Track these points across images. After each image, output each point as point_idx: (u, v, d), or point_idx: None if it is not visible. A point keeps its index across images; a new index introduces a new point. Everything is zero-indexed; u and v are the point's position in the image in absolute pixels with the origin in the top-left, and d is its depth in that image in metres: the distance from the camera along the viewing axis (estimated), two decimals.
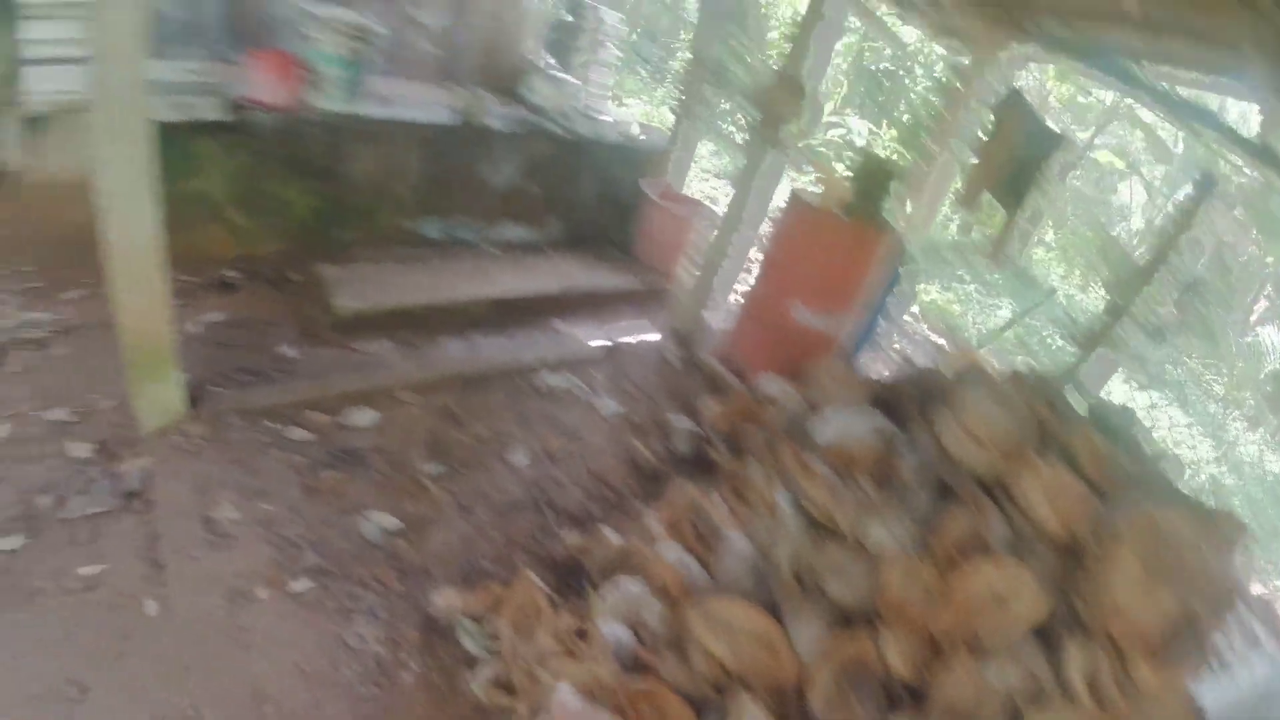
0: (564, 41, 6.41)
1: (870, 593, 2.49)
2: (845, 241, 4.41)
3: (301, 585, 2.62)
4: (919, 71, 12.43)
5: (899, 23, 8.61)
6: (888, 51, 12.16)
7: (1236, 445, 10.51)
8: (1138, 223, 13.29)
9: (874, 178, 4.49)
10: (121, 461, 2.88)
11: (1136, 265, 4.81)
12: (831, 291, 4.48)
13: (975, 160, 5.43)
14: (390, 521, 2.97)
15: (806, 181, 9.61)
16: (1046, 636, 2.44)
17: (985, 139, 5.29)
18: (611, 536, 3.02)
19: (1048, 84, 11.42)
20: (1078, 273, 13.96)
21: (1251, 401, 11.56)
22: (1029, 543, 2.62)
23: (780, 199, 6.71)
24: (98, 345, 3.42)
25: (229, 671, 2.31)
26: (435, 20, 5.63)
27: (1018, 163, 5.07)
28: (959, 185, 6.90)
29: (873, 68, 12.63)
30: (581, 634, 2.46)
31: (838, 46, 11.13)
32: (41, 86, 3.52)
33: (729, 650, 2.34)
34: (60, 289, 3.72)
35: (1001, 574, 2.40)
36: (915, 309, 8.25)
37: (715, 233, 5.06)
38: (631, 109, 10.82)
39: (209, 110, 3.81)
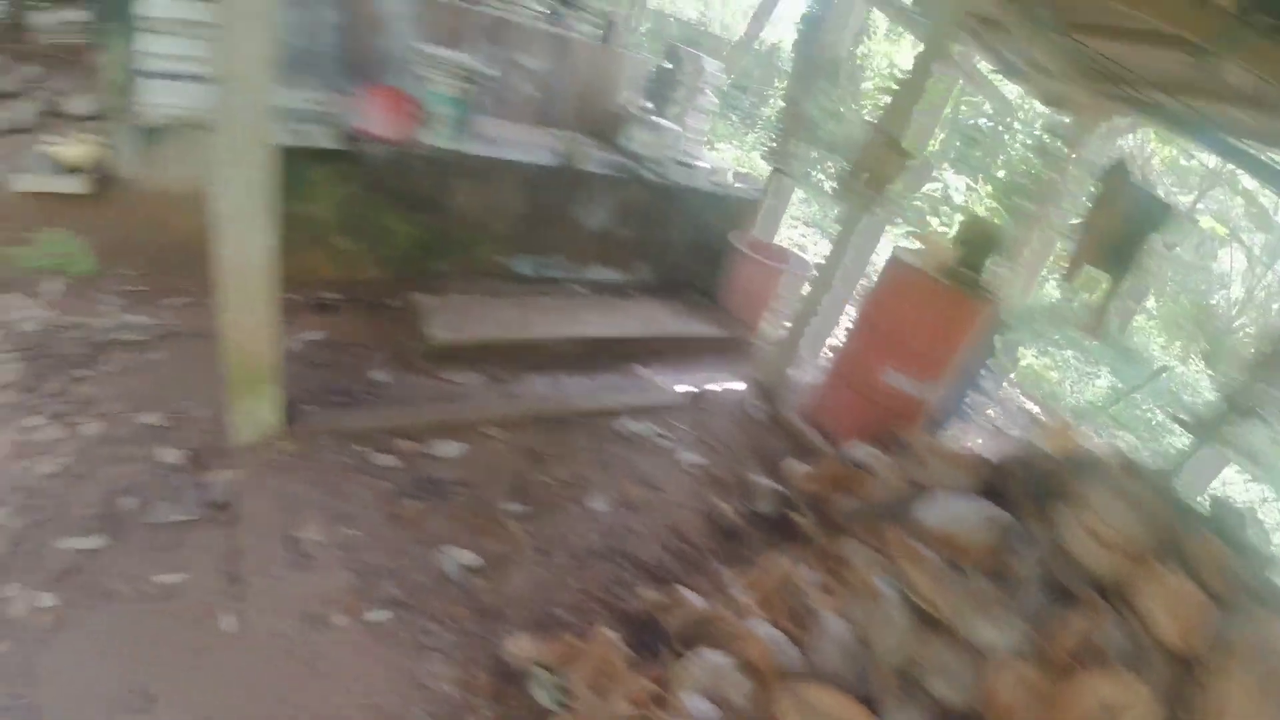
0: (662, 88, 6.48)
1: (976, 694, 2.32)
2: (945, 306, 4.26)
3: (378, 615, 2.58)
4: (1017, 127, 12.16)
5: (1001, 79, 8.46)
6: (986, 106, 11.93)
7: None
8: (1238, 291, 12.71)
9: (978, 242, 4.35)
10: (210, 471, 2.91)
11: (1236, 338, 4.53)
12: (927, 357, 4.33)
13: (1079, 230, 5.24)
14: (469, 558, 2.92)
15: (905, 235, 9.46)
16: None
17: (1090, 208, 5.10)
18: (692, 599, 2.90)
19: (1149, 145, 11.06)
20: (1178, 344, 13.35)
21: None
22: (1144, 653, 2.42)
23: (876, 255, 6.65)
24: (195, 353, 3.51)
25: (299, 698, 2.26)
26: (537, 64, 5.76)
27: (1123, 234, 4.85)
28: (1060, 252, 6.69)
29: (970, 121, 12.40)
30: (659, 701, 2.35)
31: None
32: (157, 99, 3.67)
33: None
34: (163, 295, 3.84)
35: (1115, 686, 2.22)
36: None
37: (807, 287, 4.96)
38: (723, 153, 10.86)
39: (324, 139, 3.93)
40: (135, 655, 2.23)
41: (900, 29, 12.72)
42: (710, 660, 2.45)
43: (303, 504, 2.88)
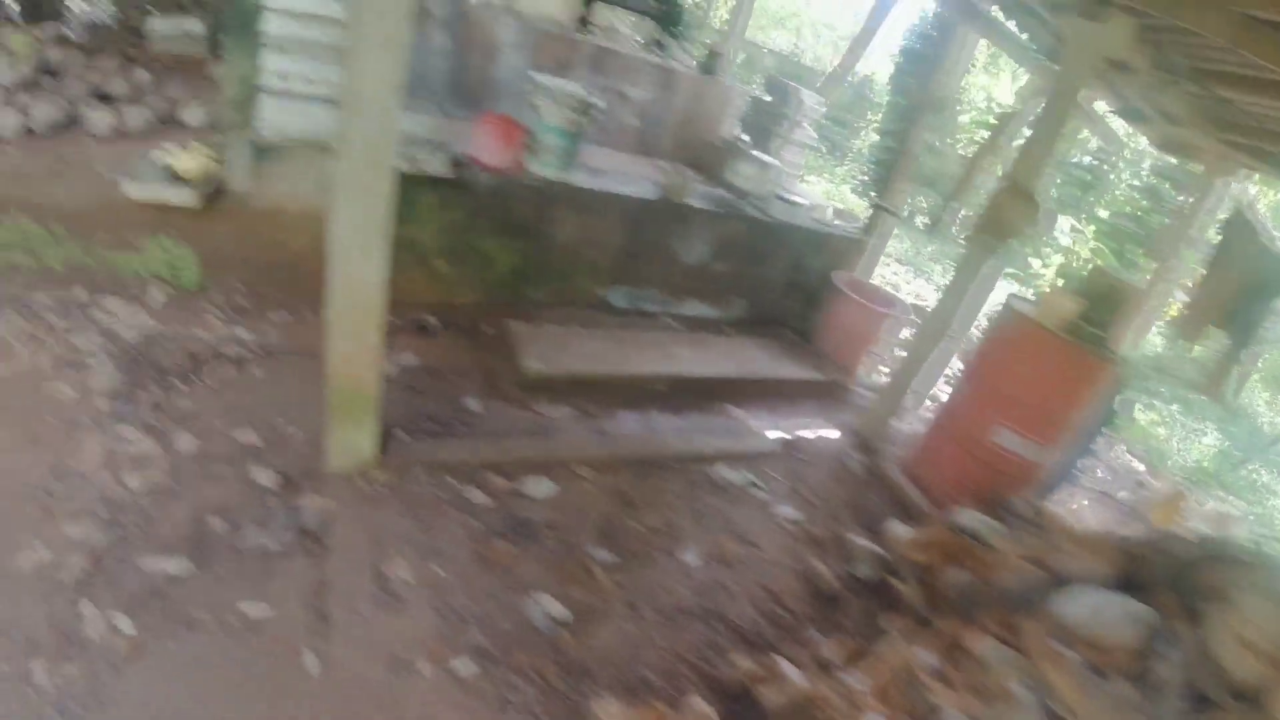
0: (761, 120, 6.35)
1: None
2: (1065, 365, 3.95)
3: (463, 665, 2.44)
4: (1121, 166, 11.62)
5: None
6: (1093, 144, 11.41)
7: None
8: None
9: (1103, 297, 4.05)
10: (302, 496, 2.84)
11: None
12: (1042, 417, 4.03)
13: (1200, 285, 4.89)
14: (557, 608, 2.77)
15: (1007, 277, 9.09)
16: None
17: (1210, 262, 4.75)
18: (791, 673, 2.69)
19: (1254, 188, 10.40)
20: None
21: None
22: None
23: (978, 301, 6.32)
24: (295, 371, 3.48)
25: None
26: (640, 94, 5.69)
27: (1244, 293, 4.51)
28: (1176, 304, 6.30)
29: (1075, 159, 11.89)
30: None
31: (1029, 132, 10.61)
32: (274, 117, 3.67)
33: None
34: (267, 311, 3.84)
35: None
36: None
37: (915, 333, 4.72)
38: (813, 186, 10.67)
39: (435, 165, 3.89)
40: (212, 691, 2.14)
41: (1000, 62, 12.36)
42: None
43: (393, 538, 2.78)
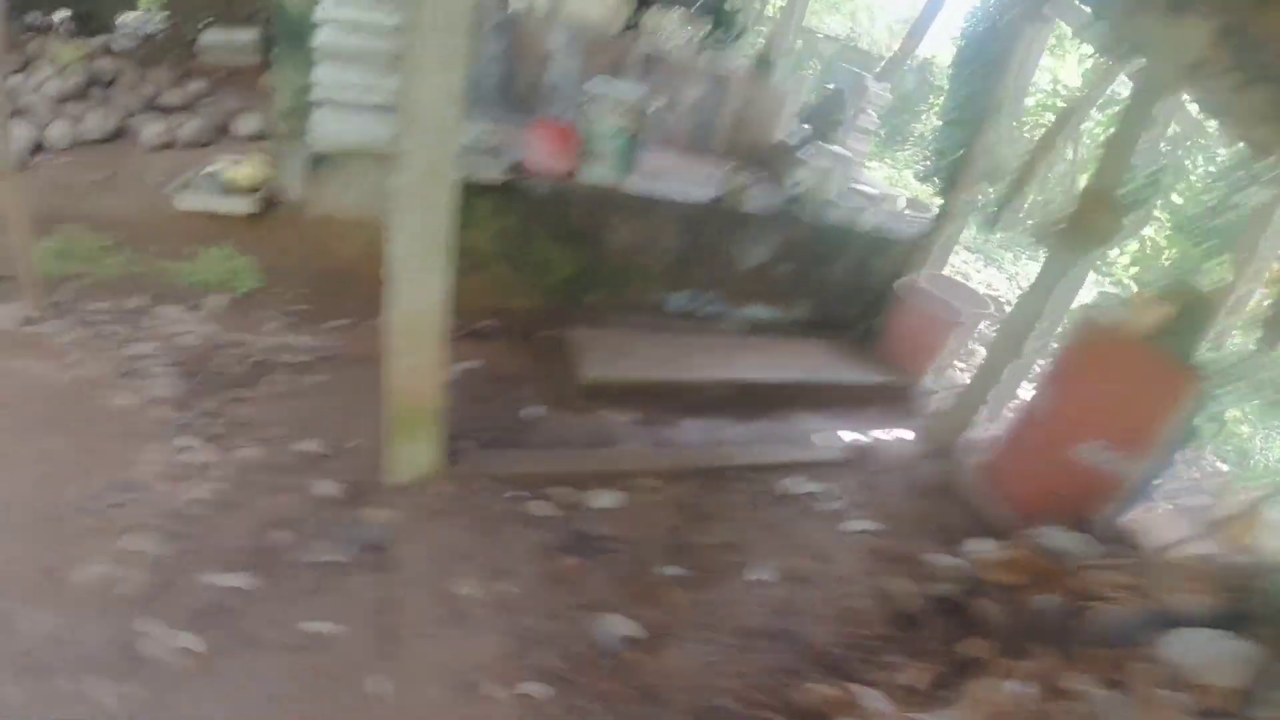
0: (825, 110, 6.18)
1: None
2: (1154, 376, 3.74)
3: (533, 689, 2.31)
4: (1196, 154, 11.14)
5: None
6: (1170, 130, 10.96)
7: None
8: None
9: (1193, 310, 3.83)
10: (366, 508, 2.75)
11: None
12: (1128, 431, 3.79)
13: None
14: (627, 627, 2.63)
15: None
16: None
17: None
18: (874, 703, 2.53)
19: None
20: None
21: None
22: None
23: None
24: (354, 378, 3.41)
25: None
26: (694, 96, 5.57)
27: None
28: (1261, 303, 6.01)
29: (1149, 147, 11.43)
30: None
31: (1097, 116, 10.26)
32: (327, 128, 3.60)
33: None
34: (324, 317, 3.78)
35: None
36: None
37: (994, 338, 4.50)
38: (874, 171, 10.39)
39: (491, 172, 3.80)
40: (274, 710, 2.05)
41: (1065, 44, 11.95)
42: None
43: (459, 553, 2.67)
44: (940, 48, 14.16)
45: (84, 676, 1.97)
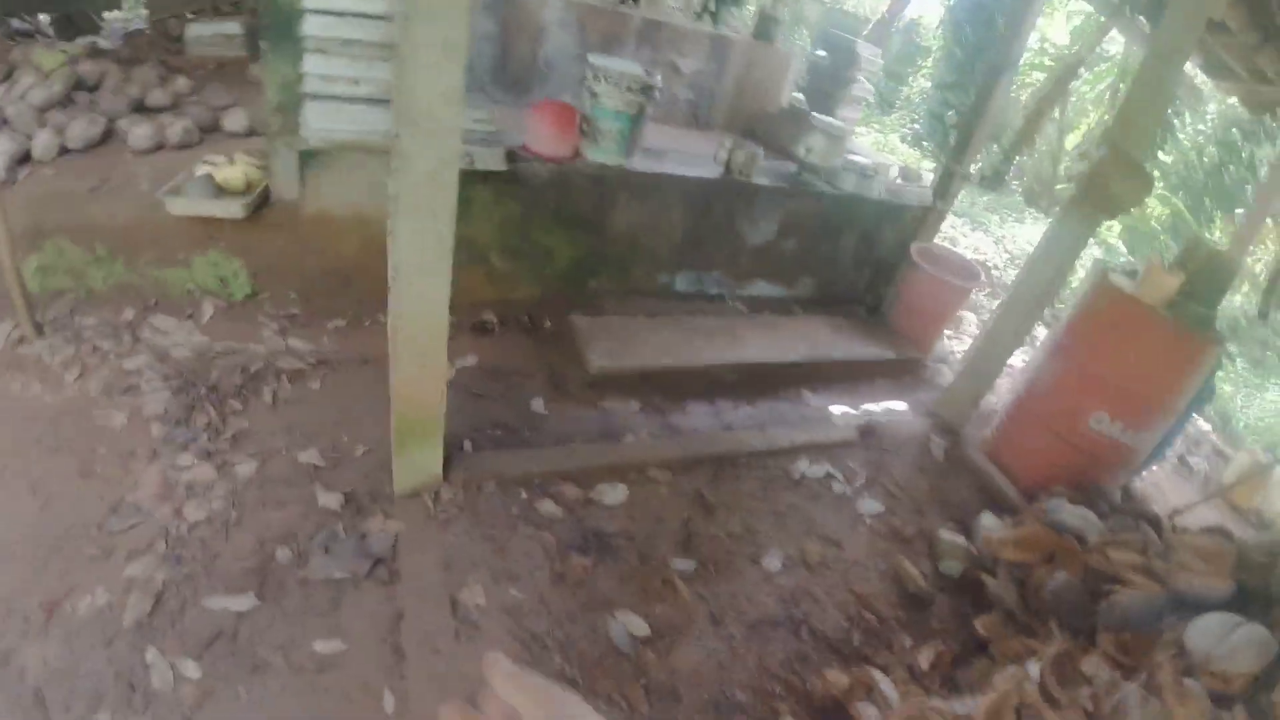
0: (819, 80, 6.05)
1: None
2: (1170, 346, 3.63)
3: None
4: (1187, 114, 10.92)
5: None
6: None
7: None
8: None
9: (1212, 275, 3.72)
10: (370, 519, 2.72)
11: None
12: (1143, 401, 3.72)
13: None
14: (639, 625, 2.61)
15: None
16: None
17: None
18: (886, 688, 2.51)
19: None
20: None
21: None
22: None
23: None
24: (354, 381, 3.36)
25: None
26: (694, 66, 5.43)
27: None
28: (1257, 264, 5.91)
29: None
30: None
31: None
32: (319, 122, 3.50)
33: None
34: (321, 319, 3.72)
35: None
36: None
37: (999, 308, 4.40)
38: (862, 138, 10.20)
39: (490, 160, 3.69)
40: None
41: (1054, 1, 11.66)
42: None
43: (466, 561, 2.64)
44: (927, 8, 13.91)
45: (88, 710, 1.96)
